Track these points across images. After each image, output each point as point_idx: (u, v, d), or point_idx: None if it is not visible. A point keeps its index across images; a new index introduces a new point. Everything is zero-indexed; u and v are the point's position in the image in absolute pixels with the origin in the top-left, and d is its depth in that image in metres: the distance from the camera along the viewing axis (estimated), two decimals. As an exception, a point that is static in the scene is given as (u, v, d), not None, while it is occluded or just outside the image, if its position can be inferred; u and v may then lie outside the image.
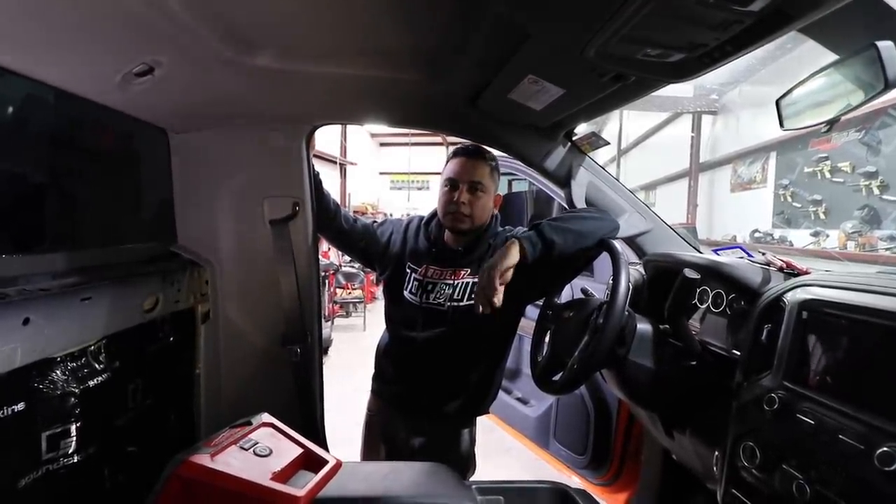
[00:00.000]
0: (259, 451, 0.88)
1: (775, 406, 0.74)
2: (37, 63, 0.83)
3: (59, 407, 0.98)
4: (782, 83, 0.90)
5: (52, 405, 0.96)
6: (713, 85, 6.23)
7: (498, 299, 1.04)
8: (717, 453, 0.89)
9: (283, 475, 0.86)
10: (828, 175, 4.71)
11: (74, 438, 1.00)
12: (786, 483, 0.69)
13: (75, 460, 1.00)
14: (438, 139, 11.18)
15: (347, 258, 6.31)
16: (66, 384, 0.99)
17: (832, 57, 0.77)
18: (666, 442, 1.19)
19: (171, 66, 0.93)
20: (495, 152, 1.35)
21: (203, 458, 0.81)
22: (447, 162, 1.32)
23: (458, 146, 1.33)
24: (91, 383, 1.04)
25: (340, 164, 9.56)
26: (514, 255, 1.06)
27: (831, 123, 0.75)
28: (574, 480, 1.83)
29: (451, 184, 1.28)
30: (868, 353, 0.67)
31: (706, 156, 6.91)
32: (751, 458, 0.76)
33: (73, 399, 1.00)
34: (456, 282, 1.28)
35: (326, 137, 8.61)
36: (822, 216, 4.79)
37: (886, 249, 3.92)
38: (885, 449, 0.58)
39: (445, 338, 1.27)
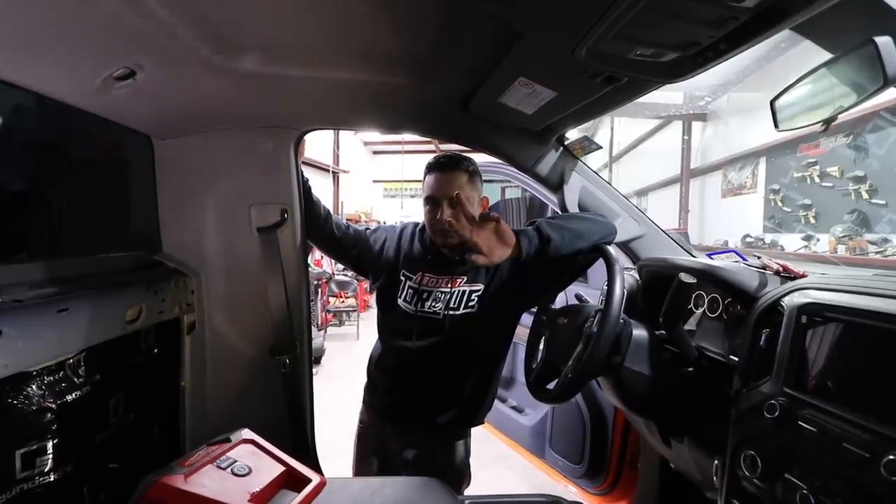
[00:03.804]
0: (237, 469, 0.84)
1: (776, 413, 0.72)
2: (11, 66, 0.80)
3: (35, 423, 0.94)
4: (770, 89, 0.90)
5: (27, 421, 0.93)
6: (702, 91, 6.32)
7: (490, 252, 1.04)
8: (716, 462, 0.86)
9: (263, 496, 0.82)
10: (817, 180, 4.76)
11: (51, 456, 0.97)
12: (789, 493, 0.67)
13: (52, 479, 0.97)
14: (432, 146, 11.19)
15: (341, 266, 6.27)
16: (42, 399, 0.95)
17: (823, 58, 0.77)
18: (663, 450, 1.16)
19: (153, 69, 0.90)
20: (489, 158, 1.33)
21: (176, 480, 0.77)
22: (424, 176, 1.28)
23: (431, 159, 1.29)
24: (69, 398, 1.01)
25: (333, 171, 9.54)
26: (512, 239, 1.05)
27: (828, 123, 0.74)
28: (571, 490, 1.80)
29: (432, 202, 1.25)
30: (870, 357, 0.65)
31: (697, 162, 6.98)
32: (752, 468, 0.74)
33: (49, 414, 0.97)
34: (453, 290, 1.25)
35: (319, 145, 8.59)
36: (812, 220, 4.83)
37: (877, 253, 3.95)
38: (891, 457, 0.56)
39: (440, 347, 1.24)
